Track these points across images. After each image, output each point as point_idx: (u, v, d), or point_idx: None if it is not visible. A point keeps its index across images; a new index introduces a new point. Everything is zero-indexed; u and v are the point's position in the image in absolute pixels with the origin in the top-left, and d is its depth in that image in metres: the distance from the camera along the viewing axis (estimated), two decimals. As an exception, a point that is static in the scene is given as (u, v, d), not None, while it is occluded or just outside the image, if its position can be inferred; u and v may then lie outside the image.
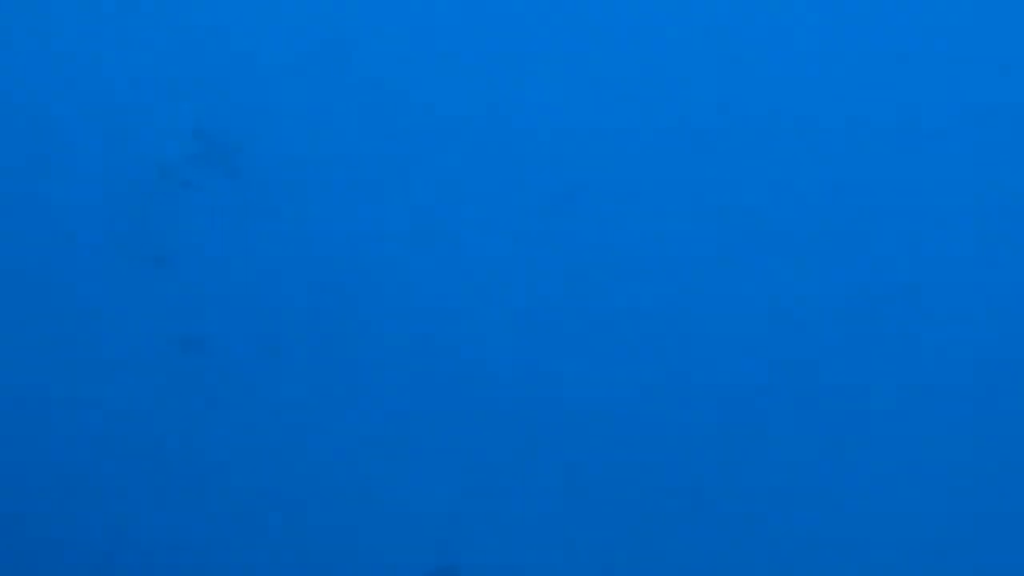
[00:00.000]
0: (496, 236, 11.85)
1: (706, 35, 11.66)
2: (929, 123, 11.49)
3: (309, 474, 11.47)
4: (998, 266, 11.50)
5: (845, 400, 11.63)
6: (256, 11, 12.15)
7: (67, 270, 11.98)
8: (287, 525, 11.33)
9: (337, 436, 11.58)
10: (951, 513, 11.40)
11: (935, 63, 11.45)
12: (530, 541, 11.48)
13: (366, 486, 11.46)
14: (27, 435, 11.52)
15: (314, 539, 11.37)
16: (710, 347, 11.78)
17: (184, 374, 11.67)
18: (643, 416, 11.65)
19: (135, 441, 11.58)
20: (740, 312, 11.75)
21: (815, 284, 11.71)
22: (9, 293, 11.94)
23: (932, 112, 11.52)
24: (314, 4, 12.12)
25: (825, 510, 11.54)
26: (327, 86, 12.10)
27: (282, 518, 11.34)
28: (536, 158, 11.90)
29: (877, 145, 11.58)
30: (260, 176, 11.97)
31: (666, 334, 11.77)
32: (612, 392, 11.74)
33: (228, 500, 11.44)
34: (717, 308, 11.78)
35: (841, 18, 11.57)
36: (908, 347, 11.61)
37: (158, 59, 12.17)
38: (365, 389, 11.64)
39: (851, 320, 11.68)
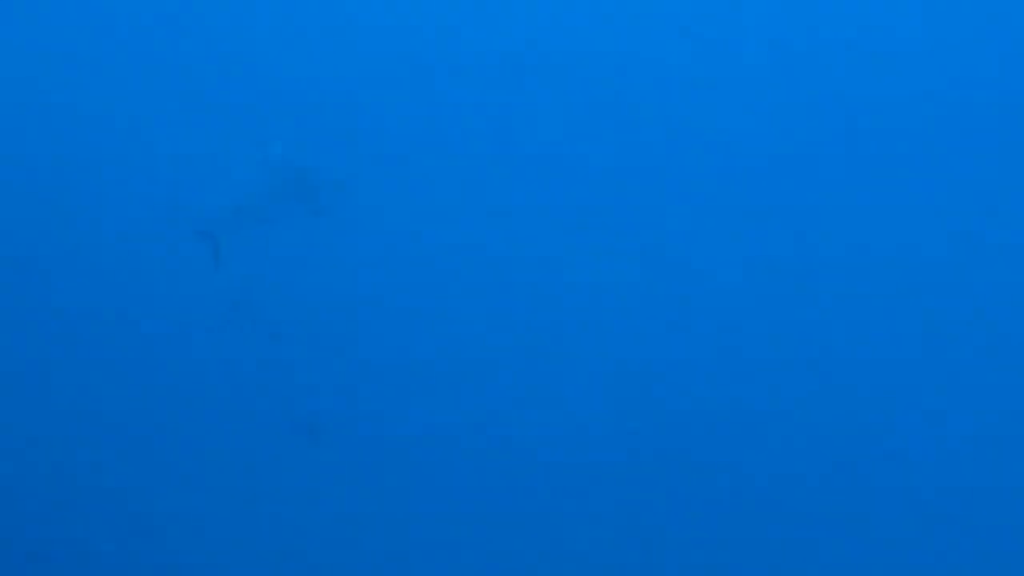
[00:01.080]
0: (600, 285, 11.44)
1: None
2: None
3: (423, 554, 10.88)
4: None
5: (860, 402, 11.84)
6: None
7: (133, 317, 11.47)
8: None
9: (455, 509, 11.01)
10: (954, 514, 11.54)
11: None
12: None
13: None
14: (133, 516, 11.05)
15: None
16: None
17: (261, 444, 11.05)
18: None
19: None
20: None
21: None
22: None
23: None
24: (411, 38, 11.73)
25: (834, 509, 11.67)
26: (422, 119, 11.61)
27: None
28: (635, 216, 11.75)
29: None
30: (347, 215, 11.06)
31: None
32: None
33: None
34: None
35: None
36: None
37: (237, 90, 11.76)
38: (481, 455, 11.02)
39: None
